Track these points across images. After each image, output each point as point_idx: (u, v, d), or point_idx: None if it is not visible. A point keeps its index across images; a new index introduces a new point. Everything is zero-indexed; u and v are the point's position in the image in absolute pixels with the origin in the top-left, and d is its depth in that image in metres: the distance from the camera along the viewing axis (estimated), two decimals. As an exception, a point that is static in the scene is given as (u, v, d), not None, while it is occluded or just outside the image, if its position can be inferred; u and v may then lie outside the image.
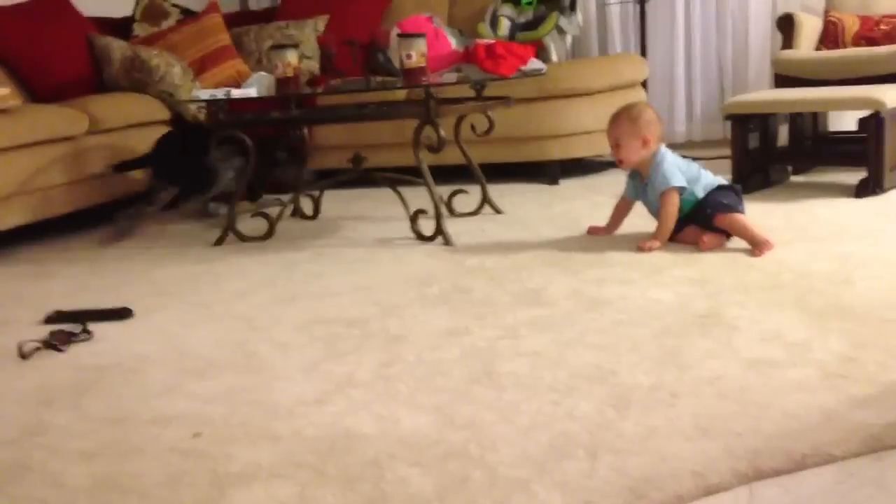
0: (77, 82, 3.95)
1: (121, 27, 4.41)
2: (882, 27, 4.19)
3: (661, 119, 2.73)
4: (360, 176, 3.30)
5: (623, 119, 2.68)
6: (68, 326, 2.14)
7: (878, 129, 3.18)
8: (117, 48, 4.11)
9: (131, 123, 3.79)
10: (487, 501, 1.21)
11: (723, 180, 2.67)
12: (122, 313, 2.27)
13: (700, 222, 2.59)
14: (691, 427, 1.38)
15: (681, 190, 2.60)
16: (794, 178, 3.70)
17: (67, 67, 3.97)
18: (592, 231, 2.86)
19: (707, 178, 2.64)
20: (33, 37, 3.90)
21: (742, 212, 2.58)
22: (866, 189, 3.20)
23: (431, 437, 1.42)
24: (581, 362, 1.71)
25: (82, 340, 2.09)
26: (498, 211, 3.38)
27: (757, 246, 2.46)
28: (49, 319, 2.27)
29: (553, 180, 4.04)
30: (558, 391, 1.57)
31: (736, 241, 2.56)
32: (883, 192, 3.20)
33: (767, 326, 1.84)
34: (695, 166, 2.67)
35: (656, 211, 2.68)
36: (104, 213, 3.71)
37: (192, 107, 3.99)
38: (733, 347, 1.73)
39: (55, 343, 2.04)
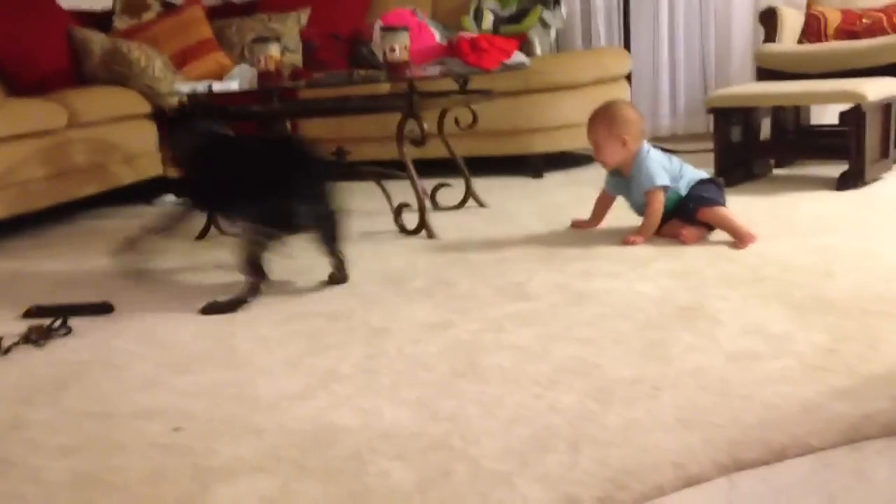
0: (56, 76, 3.91)
1: (101, 20, 4.38)
2: (864, 21, 4.21)
3: (641, 115, 2.72)
4: (344, 170, 3.29)
5: (600, 121, 2.67)
6: (48, 321, 2.12)
7: (860, 123, 3.20)
8: (97, 41, 4.07)
9: (112, 117, 3.75)
10: (470, 494, 1.21)
11: (705, 174, 2.67)
12: (102, 308, 2.26)
13: (683, 217, 2.59)
14: (673, 419, 1.39)
15: (665, 189, 2.60)
16: (777, 172, 3.72)
17: (47, 61, 3.93)
18: (577, 225, 2.86)
19: (689, 173, 2.64)
20: (12, 30, 3.86)
21: (724, 205, 2.59)
22: (848, 182, 3.22)
23: (414, 430, 1.42)
24: (564, 355, 1.71)
25: (62, 335, 2.07)
26: (482, 204, 3.38)
27: (740, 238, 2.48)
28: (28, 314, 2.25)
29: (537, 174, 4.05)
30: (541, 384, 1.57)
31: (719, 234, 2.57)
32: (864, 185, 3.22)
33: (749, 319, 1.85)
34: (677, 162, 2.67)
35: (639, 208, 2.69)
36: (84, 207, 3.69)
37: (174, 100, 3.96)
38: (715, 340, 1.74)
39: (35, 338, 2.02)
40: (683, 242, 2.52)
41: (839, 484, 1.21)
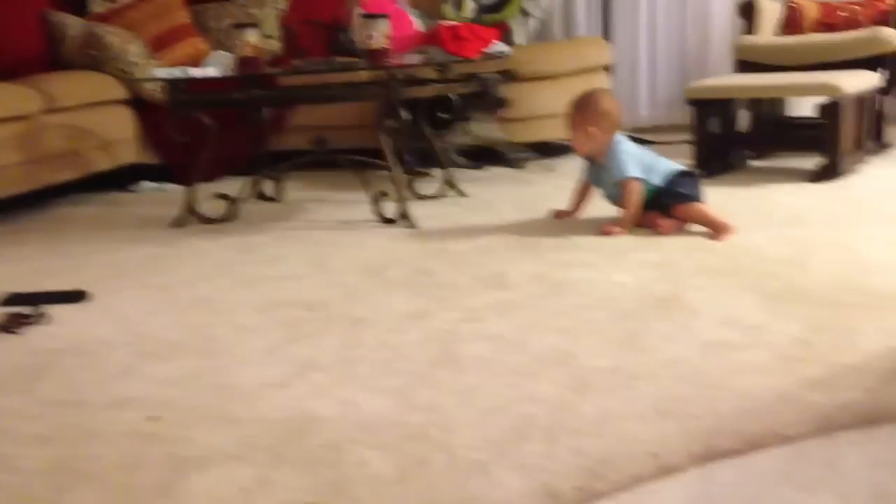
0: (31, 60, 3.85)
1: (77, 3, 4.31)
2: (841, 13, 4.24)
3: (619, 107, 2.73)
4: (323, 158, 3.27)
5: (575, 108, 2.70)
6: (23, 309, 2.10)
7: (836, 116, 3.22)
8: (73, 25, 4.02)
9: (88, 102, 3.71)
10: (447, 483, 1.21)
11: (680, 167, 2.68)
12: (77, 296, 2.24)
13: (659, 210, 2.60)
14: (649, 409, 1.40)
15: (639, 180, 2.61)
16: (754, 163, 3.74)
17: (21, 44, 3.87)
18: (557, 215, 2.87)
19: (663, 165, 2.65)
20: (-15, 12, 3.81)
21: (700, 199, 2.60)
22: (824, 174, 3.25)
23: (392, 419, 1.42)
24: (542, 345, 1.71)
25: (37, 323, 2.05)
26: (462, 194, 3.38)
27: (717, 230, 2.49)
28: (2, 301, 2.23)
29: (517, 164, 4.04)
30: (519, 374, 1.58)
31: (697, 225, 2.58)
32: (840, 178, 3.25)
33: (725, 310, 1.86)
34: (650, 154, 2.68)
35: (612, 198, 2.70)
36: (59, 193, 3.65)
37: (151, 85, 3.92)
38: (692, 330, 1.75)
39: (9, 325, 2.00)
40: (661, 233, 2.53)
41: (813, 473, 1.22)
